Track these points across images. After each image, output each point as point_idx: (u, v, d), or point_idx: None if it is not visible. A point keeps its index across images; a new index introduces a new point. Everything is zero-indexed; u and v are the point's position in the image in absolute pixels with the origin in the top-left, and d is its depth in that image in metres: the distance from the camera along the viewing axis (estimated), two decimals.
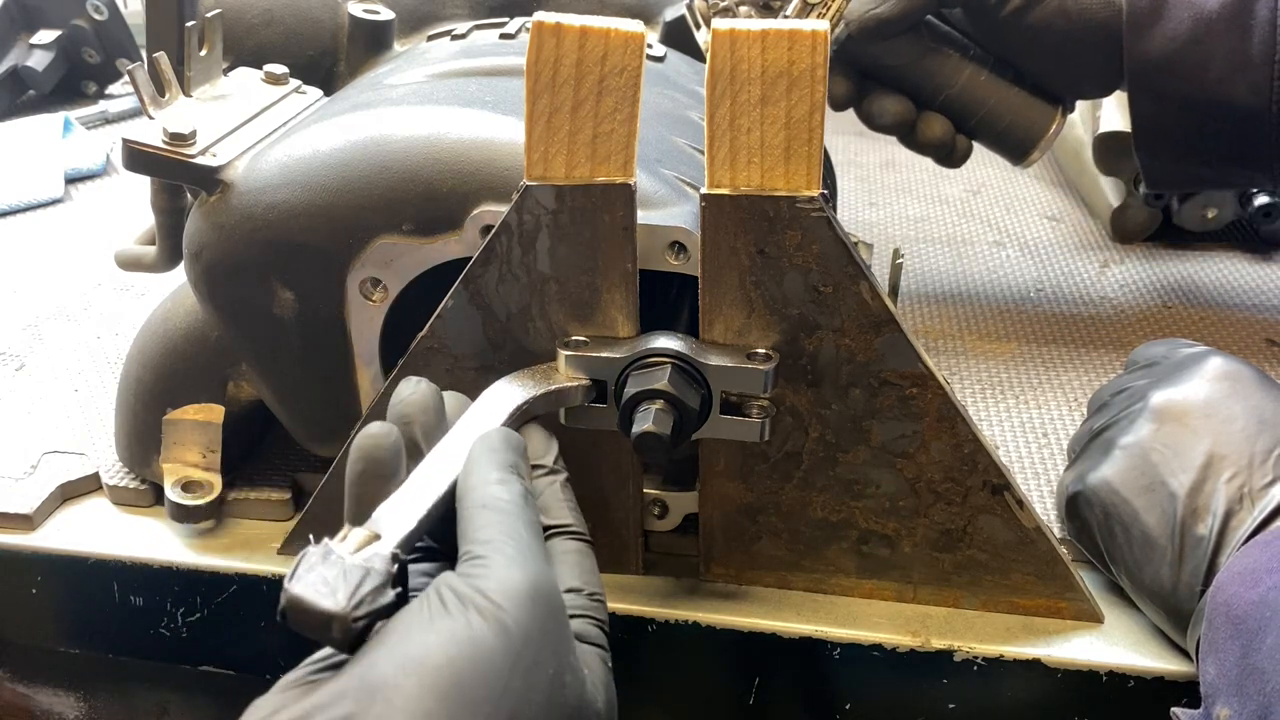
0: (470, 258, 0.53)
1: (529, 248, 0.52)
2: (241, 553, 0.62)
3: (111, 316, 0.87)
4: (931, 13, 0.78)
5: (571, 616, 0.43)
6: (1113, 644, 0.55)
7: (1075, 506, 0.57)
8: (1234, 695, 0.45)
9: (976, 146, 0.83)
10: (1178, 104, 0.75)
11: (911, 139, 0.81)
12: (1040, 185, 1.13)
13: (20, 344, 0.83)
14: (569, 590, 0.44)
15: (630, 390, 0.51)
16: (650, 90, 0.60)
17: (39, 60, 1.30)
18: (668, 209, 0.54)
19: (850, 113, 0.82)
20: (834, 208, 0.57)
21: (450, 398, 0.50)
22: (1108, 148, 0.95)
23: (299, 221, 0.56)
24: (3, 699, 0.71)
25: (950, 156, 0.82)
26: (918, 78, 0.79)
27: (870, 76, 0.80)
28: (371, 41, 0.76)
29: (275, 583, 0.61)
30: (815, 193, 0.49)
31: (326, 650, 0.39)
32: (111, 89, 1.35)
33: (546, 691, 0.38)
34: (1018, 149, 0.82)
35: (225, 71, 0.66)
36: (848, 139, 1.23)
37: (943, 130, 0.80)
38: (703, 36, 0.79)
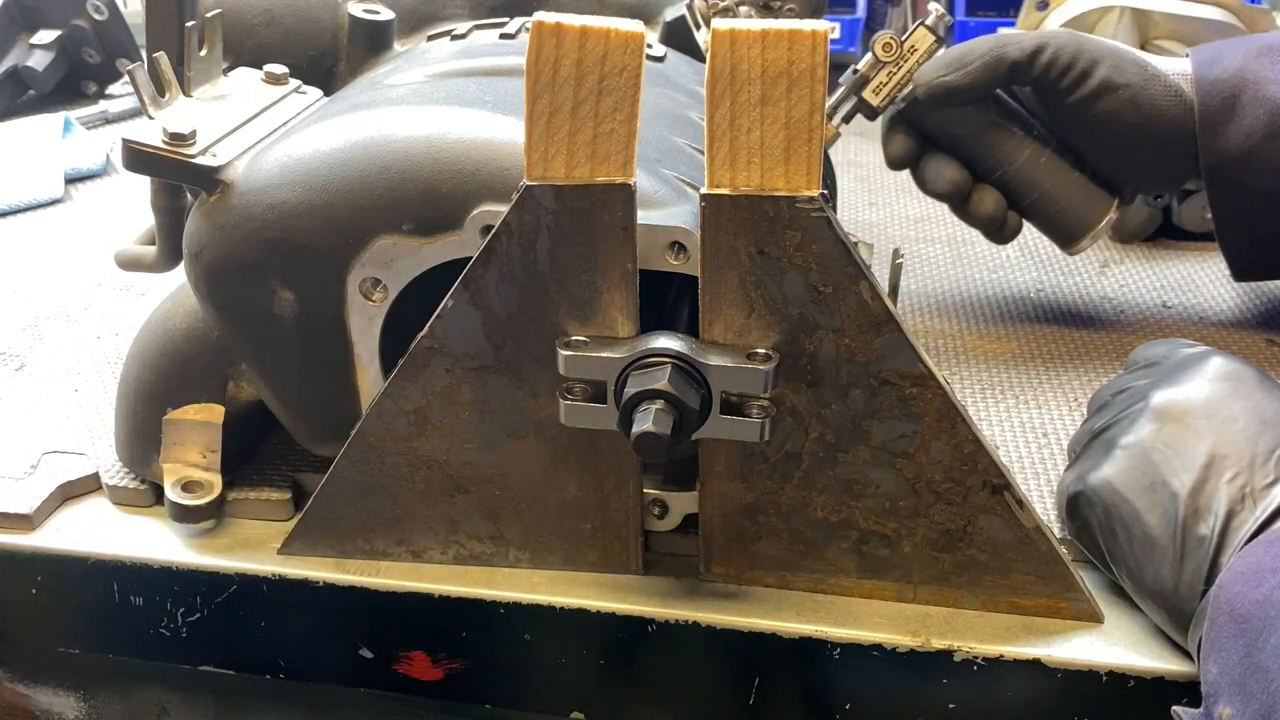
0: (470, 258, 0.53)
1: (529, 248, 0.52)
2: (241, 553, 0.62)
3: (111, 316, 0.87)
4: (1001, 87, 0.78)
5: None
6: (1113, 644, 0.55)
7: (1076, 506, 0.57)
8: (1237, 694, 0.45)
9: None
10: (1258, 198, 0.75)
11: (963, 209, 0.81)
12: None
13: (20, 344, 0.83)
14: None
15: (630, 390, 0.51)
16: (650, 90, 0.60)
17: (39, 60, 1.30)
18: (668, 209, 0.54)
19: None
20: (834, 208, 0.57)
21: None
22: None
23: (299, 221, 0.56)
24: (3, 699, 0.71)
25: (1000, 231, 0.82)
26: (979, 150, 0.79)
27: (932, 141, 0.80)
28: (371, 41, 0.76)
29: (275, 583, 0.61)
30: (815, 193, 0.49)
31: None
32: (111, 89, 1.35)
33: None
34: (1067, 235, 0.81)
35: (225, 71, 0.66)
36: (848, 139, 1.21)
37: (995, 206, 0.80)
38: (703, 36, 0.79)
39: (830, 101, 0.79)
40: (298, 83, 0.68)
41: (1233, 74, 0.75)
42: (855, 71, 0.79)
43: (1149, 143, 0.77)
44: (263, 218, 0.57)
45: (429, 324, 0.55)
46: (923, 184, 0.81)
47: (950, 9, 1.83)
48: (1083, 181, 0.80)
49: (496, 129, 0.56)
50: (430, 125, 0.56)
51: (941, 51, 0.78)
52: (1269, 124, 0.73)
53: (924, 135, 0.80)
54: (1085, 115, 0.77)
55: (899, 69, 0.78)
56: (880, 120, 0.82)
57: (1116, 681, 0.54)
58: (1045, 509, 0.63)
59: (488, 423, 0.57)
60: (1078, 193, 0.80)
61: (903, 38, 0.78)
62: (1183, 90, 0.76)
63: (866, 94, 0.79)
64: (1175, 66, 0.77)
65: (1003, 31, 0.82)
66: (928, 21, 0.78)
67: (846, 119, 0.80)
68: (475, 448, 0.57)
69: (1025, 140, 0.79)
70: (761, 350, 0.52)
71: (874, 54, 0.78)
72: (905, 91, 0.78)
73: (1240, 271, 0.81)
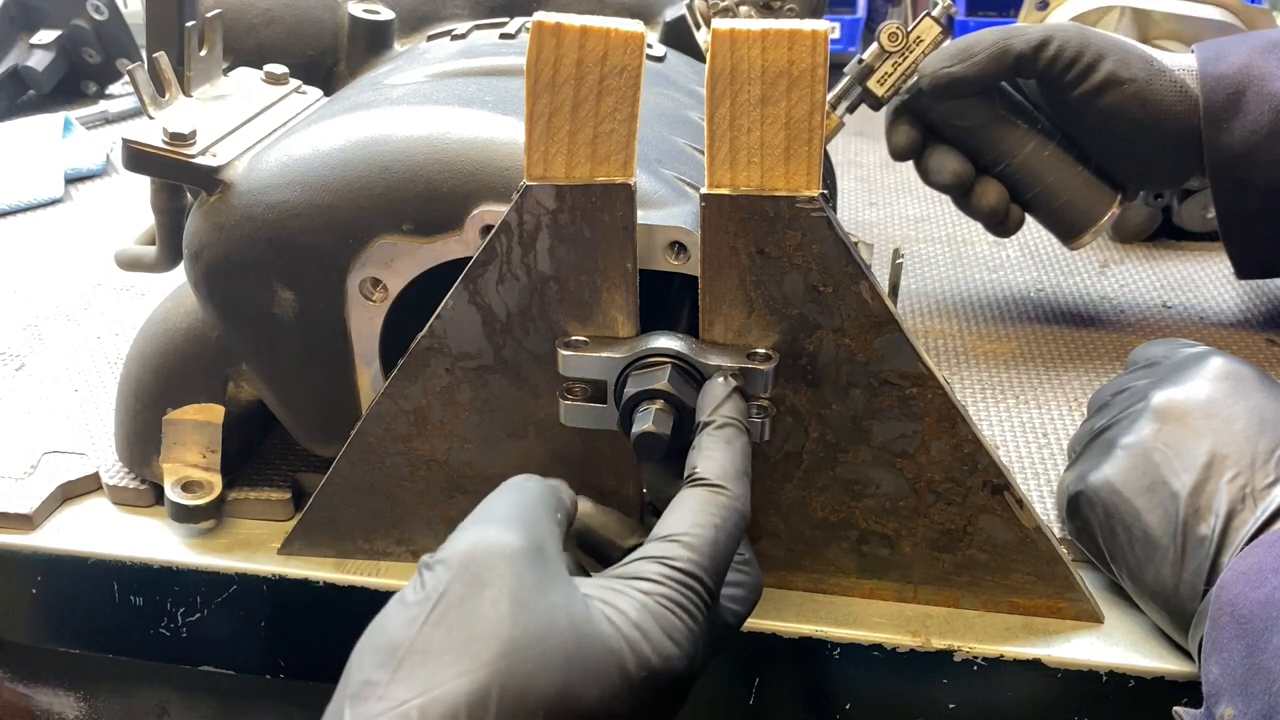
0: (470, 258, 0.53)
1: (529, 248, 0.52)
2: (241, 553, 0.62)
3: (111, 316, 0.87)
4: (1006, 80, 0.78)
5: (640, 559, 0.43)
6: (1113, 644, 0.55)
7: (1076, 506, 0.57)
8: (1239, 695, 0.45)
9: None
10: (1263, 195, 0.75)
11: (965, 202, 0.81)
12: None
13: (20, 344, 0.83)
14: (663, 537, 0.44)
15: (630, 390, 0.51)
16: (650, 90, 0.60)
17: (39, 60, 1.30)
18: (668, 209, 0.54)
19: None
20: (834, 208, 0.56)
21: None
22: None
23: (299, 221, 0.56)
24: (3, 699, 0.71)
25: (1002, 225, 0.81)
26: (982, 142, 0.79)
27: (935, 132, 0.80)
28: (371, 41, 0.76)
29: (275, 583, 0.61)
30: (815, 193, 0.49)
31: None
32: (111, 89, 1.35)
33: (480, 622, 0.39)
34: (1069, 230, 0.81)
35: (225, 71, 0.66)
36: (848, 139, 1.23)
37: (998, 199, 0.80)
38: (703, 36, 0.79)
39: (834, 91, 0.78)
40: (298, 83, 0.68)
41: (1238, 70, 0.75)
42: (860, 61, 0.79)
43: (1153, 138, 0.76)
44: (263, 218, 0.57)
45: (429, 324, 0.55)
46: (926, 175, 0.81)
47: None
48: (1086, 176, 0.79)
49: (496, 129, 0.56)
50: (430, 125, 0.56)
51: (947, 43, 0.78)
52: (1273, 120, 0.73)
53: (928, 127, 0.80)
54: (1090, 109, 0.76)
55: (904, 59, 0.77)
56: (883, 114, 0.82)
57: (1116, 681, 0.54)
58: (1045, 509, 0.63)
59: (488, 423, 0.57)
60: (1081, 188, 0.79)
61: (908, 28, 0.77)
62: (1188, 86, 0.75)
63: (871, 84, 0.78)
64: (1180, 62, 0.77)
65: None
66: (933, 12, 0.77)
67: (851, 109, 0.80)
68: (475, 448, 0.57)
69: (1029, 134, 0.79)
70: (761, 350, 0.52)
71: (879, 44, 0.78)
72: (910, 82, 0.78)
73: (1244, 270, 0.81)
